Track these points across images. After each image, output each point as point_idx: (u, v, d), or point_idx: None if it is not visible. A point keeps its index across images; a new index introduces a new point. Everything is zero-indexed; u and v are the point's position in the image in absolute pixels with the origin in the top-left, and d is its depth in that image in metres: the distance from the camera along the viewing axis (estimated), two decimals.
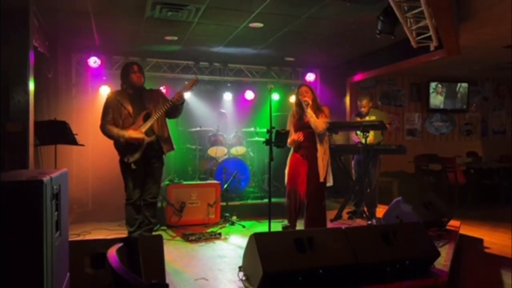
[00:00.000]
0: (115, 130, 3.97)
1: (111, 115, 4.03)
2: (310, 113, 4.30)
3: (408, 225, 3.81)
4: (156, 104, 4.11)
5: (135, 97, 4.10)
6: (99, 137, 4.12)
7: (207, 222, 5.44)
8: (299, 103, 4.43)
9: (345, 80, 7.91)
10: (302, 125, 4.38)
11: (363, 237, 3.31)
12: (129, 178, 4.05)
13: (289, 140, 4.41)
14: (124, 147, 3.98)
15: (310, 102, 4.33)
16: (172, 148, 4.23)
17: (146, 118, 4.02)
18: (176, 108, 4.11)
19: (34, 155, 4.19)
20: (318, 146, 4.36)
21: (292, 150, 4.46)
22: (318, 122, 4.31)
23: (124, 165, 4.03)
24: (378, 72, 7.16)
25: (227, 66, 7.69)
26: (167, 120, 4.26)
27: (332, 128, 5.76)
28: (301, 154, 4.40)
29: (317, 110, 4.38)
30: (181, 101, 4.08)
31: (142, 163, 4.03)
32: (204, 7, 4.69)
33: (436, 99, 9.16)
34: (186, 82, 4.42)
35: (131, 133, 3.93)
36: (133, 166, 3.98)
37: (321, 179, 4.29)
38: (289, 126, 4.52)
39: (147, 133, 3.99)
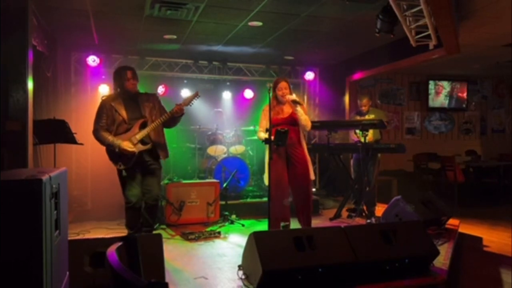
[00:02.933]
0: (110, 138, 3.93)
1: (105, 120, 4.00)
2: (301, 112, 4.31)
3: (408, 223, 3.81)
4: (152, 110, 4.11)
5: (130, 102, 4.08)
6: None
7: (206, 221, 5.44)
8: (277, 98, 4.39)
9: (345, 79, 7.90)
10: (282, 120, 4.33)
11: (363, 236, 3.31)
12: (126, 181, 4.04)
13: (262, 135, 4.26)
14: (115, 154, 3.96)
15: (298, 98, 4.32)
16: (167, 156, 4.24)
17: (143, 126, 4.01)
18: (174, 119, 4.13)
19: (33, 154, 4.19)
20: (304, 143, 4.40)
21: (268, 147, 4.16)
22: (308, 120, 4.36)
23: (120, 170, 4.04)
24: (378, 70, 7.16)
25: (226, 65, 7.68)
26: None
27: (332, 126, 5.78)
28: (283, 152, 4.33)
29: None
30: (181, 113, 4.09)
31: (138, 167, 4.03)
32: (203, 5, 4.69)
33: (435, 98, 9.17)
34: (187, 95, 4.41)
35: (125, 145, 3.90)
36: (124, 174, 3.99)
37: (312, 177, 4.41)
38: (262, 120, 4.43)
39: (143, 140, 3.99)
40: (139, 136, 3.96)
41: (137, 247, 2.51)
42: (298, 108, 4.31)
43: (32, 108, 4.08)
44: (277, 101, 4.41)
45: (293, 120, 4.35)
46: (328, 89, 8.18)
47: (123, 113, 4.01)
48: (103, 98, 4.22)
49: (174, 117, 4.08)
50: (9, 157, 3.74)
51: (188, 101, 4.17)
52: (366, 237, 3.31)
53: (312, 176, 4.44)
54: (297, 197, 4.42)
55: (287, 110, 4.40)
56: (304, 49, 6.81)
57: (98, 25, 5.48)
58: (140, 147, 3.97)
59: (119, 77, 4.08)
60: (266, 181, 4.30)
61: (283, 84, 4.39)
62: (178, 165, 6.63)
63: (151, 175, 4.09)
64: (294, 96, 4.35)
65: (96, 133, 4.00)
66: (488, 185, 7.79)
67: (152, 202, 4.10)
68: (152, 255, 2.92)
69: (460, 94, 9.31)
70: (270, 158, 4.01)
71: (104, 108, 4.03)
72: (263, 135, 4.23)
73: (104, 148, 4.08)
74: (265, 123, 4.34)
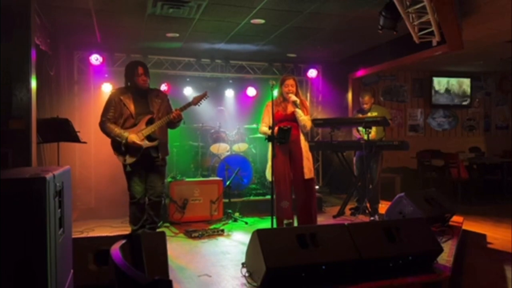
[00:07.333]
0: (117, 130, 3.95)
1: (112, 113, 4.01)
2: (299, 113, 4.30)
3: (411, 220, 3.80)
4: (161, 106, 4.12)
5: (139, 97, 4.09)
6: (101, 134, 4.11)
7: (209, 218, 5.45)
8: (283, 95, 4.42)
9: (347, 76, 7.89)
10: (285, 117, 4.36)
11: (366, 233, 3.31)
12: (131, 177, 4.06)
13: (264, 130, 4.35)
14: (121, 147, 3.97)
15: (298, 101, 4.31)
16: (167, 154, 4.27)
17: (149, 123, 4.02)
18: (173, 123, 4.14)
19: (36, 152, 4.20)
20: (302, 142, 4.36)
21: (271, 144, 4.27)
22: (306, 121, 4.33)
23: (125, 165, 4.05)
24: (381, 67, 7.13)
25: (228, 63, 7.67)
26: None
27: (335, 124, 5.77)
28: (285, 149, 4.34)
29: (302, 105, 4.38)
30: (178, 119, 4.10)
31: (143, 163, 4.04)
32: (206, 3, 4.68)
33: (439, 95, 9.13)
34: (190, 94, 4.42)
35: (133, 137, 3.92)
36: (128, 169, 4.00)
37: (308, 176, 4.30)
38: (265, 116, 4.44)
39: (150, 136, 4.00)
40: (145, 132, 3.97)
41: (141, 245, 2.52)
42: (297, 109, 4.32)
43: (35, 107, 4.09)
44: (283, 98, 4.44)
45: (295, 117, 4.36)
46: (331, 86, 8.16)
47: (131, 107, 4.02)
48: (113, 91, 4.23)
49: (173, 122, 4.10)
50: (13, 156, 3.76)
51: (197, 101, 4.23)
52: (370, 234, 3.30)
53: (309, 174, 4.33)
54: (298, 195, 4.42)
55: (290, 107, 4.41)
56: (306, 46, 6.80)
57: (100, 23, 5.48)
58: (147, 143, 3.98)
59: (131, 72, 4.07)
60: (268, 176, 4.35)
61: (289, 81, 4.41)
62: (181, 163, 6.64)
63: (155, 172, 4.11)
64: (294, 97, 4.34)
65: (103, 125, 4.01)
66: (492, 182, 7.75)
67: (156, 198, 4.12)
68: (156, 252, 2.93)
69: (463, 91, 9.26)
70: (273, 155, 4.01)
71: (113, 101, 4.04)
72: (265, 129, 4.35)
73: (108, 146, 4.09)
74: (267, 119, 4.39)
